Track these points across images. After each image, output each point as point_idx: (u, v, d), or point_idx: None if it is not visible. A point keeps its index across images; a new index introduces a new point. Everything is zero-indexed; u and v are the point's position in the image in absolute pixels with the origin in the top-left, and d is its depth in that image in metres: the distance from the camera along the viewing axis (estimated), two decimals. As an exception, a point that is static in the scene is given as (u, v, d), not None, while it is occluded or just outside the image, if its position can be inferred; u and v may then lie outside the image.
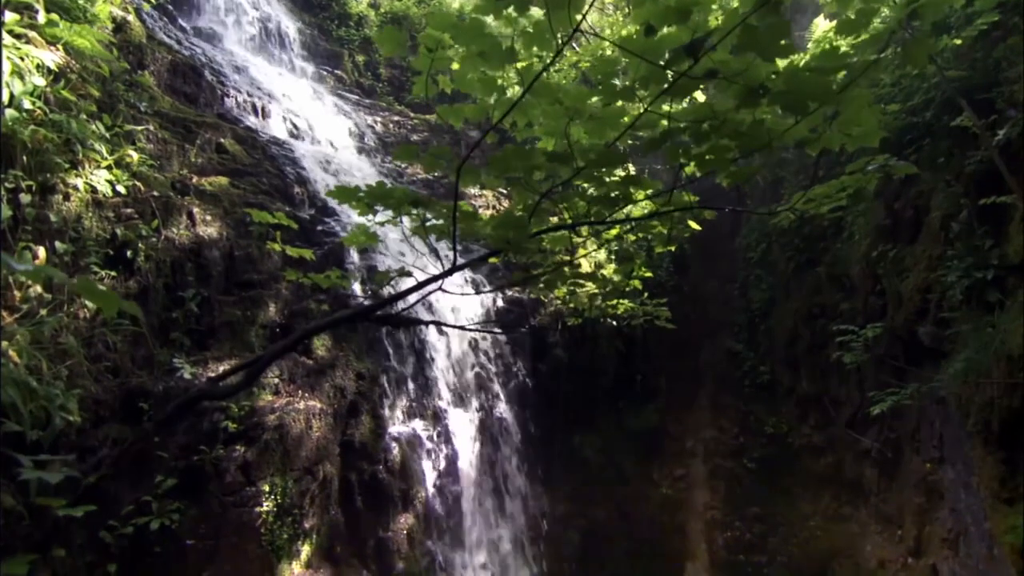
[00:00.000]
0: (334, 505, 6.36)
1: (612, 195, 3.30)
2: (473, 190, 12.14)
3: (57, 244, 4.67)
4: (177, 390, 5.05)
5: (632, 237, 5.42)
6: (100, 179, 5.21)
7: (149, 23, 7.80)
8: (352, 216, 8.30)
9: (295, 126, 9.27)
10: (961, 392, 5.91)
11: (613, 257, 9.89)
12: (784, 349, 9.95)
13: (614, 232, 5.36)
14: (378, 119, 11.90)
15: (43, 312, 4.44)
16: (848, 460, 8.98)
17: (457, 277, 8.87)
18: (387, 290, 5.19)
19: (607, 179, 3.15)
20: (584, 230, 4.66)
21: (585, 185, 4.13)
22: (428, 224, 4.01)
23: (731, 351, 10.89)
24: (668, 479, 10.20)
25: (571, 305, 5.72)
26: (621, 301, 6.35)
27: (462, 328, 3.92)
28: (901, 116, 6.87)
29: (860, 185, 4.42)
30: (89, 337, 4.85)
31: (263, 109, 8.97)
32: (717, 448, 10.34)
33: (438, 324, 3.87)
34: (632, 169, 5.50)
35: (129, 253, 5.23)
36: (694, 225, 5.47)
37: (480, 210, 11.33)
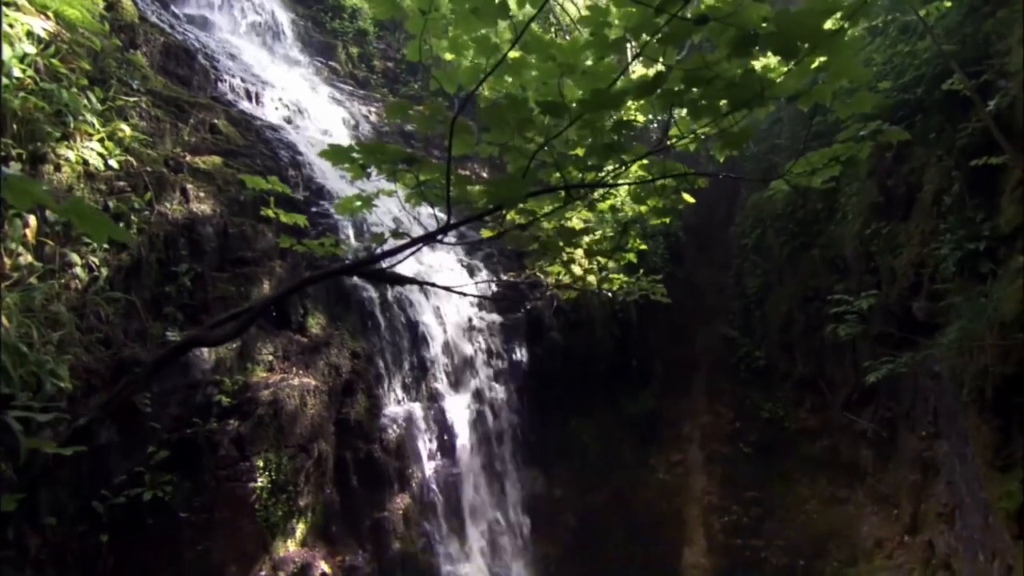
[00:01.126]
0: (329, 484, 6.31)
1: (606, 143, 3.30)
2: (465, 174, 12.13)
3: (48, 213, 4.63)
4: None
5: (629, 209, 5.41)
6: (92, 152, 5.18)
7: (141, 5, 7.78)
8: (341, 193, 8.29)
9: (289, 112, 9.26)
10: (955, 363, 5.93)
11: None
12: (779, 333, 9.97)
13: (608, 204, 5.36)
14: (372, 109, 11.89)
15: (33, 280, 4.40)
16: (844, 442, 8.99)
17: (452, 262, 8.86)
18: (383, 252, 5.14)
19: (599, 124, 3.14)
20: (576, 197, 4.68)
21: (578, 153, 4.16)
22: (423, 187, 4.00)
23: (726, 337, 10.90)
24: (665, 464, 10.19)
25: (566, 279, 5.69)
26: (616, 276, 6.34)
27: (451, 290, 3.90)
28: (893, 94, 6.91)
29: (852, 153, 4.45)
30: (80, 308, 4.81)
31: (257, 95, 8.96)
32: (714, 433, 10.34)
33: (430, 285, 3.86)
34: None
35: (121, 225, 5.18)
36: (688, 198, 5.48)
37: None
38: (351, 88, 12.37)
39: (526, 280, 9.04)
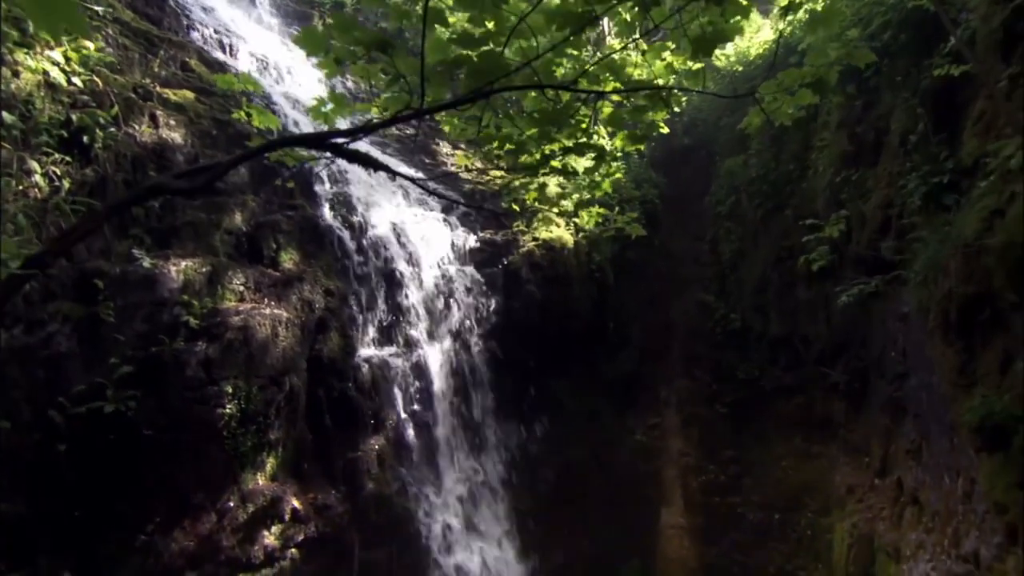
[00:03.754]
0: (301, 420, 6.19)
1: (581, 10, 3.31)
2: (446, 148, 12.14)
3: (4, 114, 4.48)
4: (136, 275, 4.87)
5: (602, 132, 5.42)
6: (53, 66, 5.02)
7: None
8: (322, 149, 8.19)
9: (264, 66, 9.13)
10: (922, 295, 6.07)
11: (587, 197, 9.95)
12: (753, 295, 10.10)
13: (584, 125, 5.37)
14: (349, 76, 11.82)
15: (-10, 178, 4.24)
16: (818, 398, 9.12)
17: (430, 222, 8.79)
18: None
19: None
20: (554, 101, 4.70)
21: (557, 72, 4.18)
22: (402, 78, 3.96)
23: (702, 303, 11.00)
24: (643, 427, 10.21)
25: (538, 202, 5.59)
26: (593, 208, 6.32)
27: (415, 182, 3.87)
28: (861, 44, 7.09)
29: (820, 75, 4.55)
30: (40, 217, 4.65)
31: (231, 47, 8.82)
32: (691, 397, 10.40)
33: (394, 172, 3.82)
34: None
35: (86, 139, 5.04)
36: (663, 128, 5.54)
37: (452, 168, 11.32)
38: (328, 56, 12.27)
39: (504, 238, 9.03)
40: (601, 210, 6.37)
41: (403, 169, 10.02)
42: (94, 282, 4.60)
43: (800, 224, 9.11)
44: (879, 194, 7.00)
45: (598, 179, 5.62)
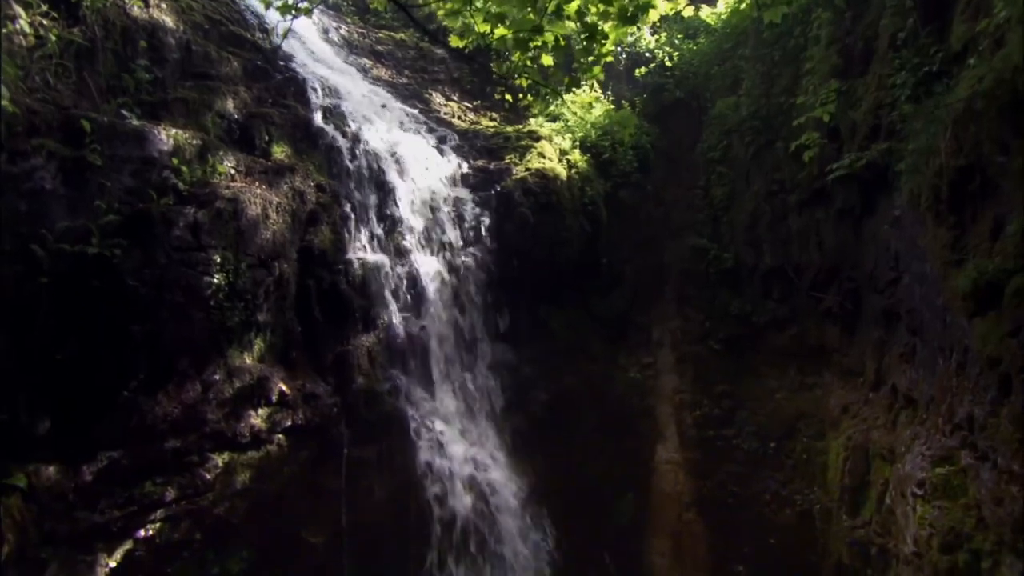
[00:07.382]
0: (290, 310, 6.12)
1: None
2: (439, 99, 12.16)
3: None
4: (125, 128, 4.83)
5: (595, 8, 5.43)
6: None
7: None
8: (310, 66, 8.21)
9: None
10: (913, 184, 6.09)
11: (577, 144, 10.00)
12: (746, 231, 10.11)
13: (575, 6, 5.39)
14: (343, 27, 11.91)
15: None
16: (811, 326, 9.10)
17: (423, 147, 8.79)
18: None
19: None
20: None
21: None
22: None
23: (696, 247, 10.97)
24: (636, 366, 10.15)
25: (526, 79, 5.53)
26: (583, 95, 6.30)
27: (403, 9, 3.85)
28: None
29: None
30: (24, 66, 4.61)
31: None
32: (684, 336, 10.36)
33: None
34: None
35: (74, -2, 5.01)
36: (656, 6, 5.55)
37: (446, 117, 11.36)
38: (320, 9, 12.34)
39: (497, 167, 9.04)
40: (591, 97, 6.32)
41: (398, 104, 10.04)
42: (81, 124, 4.54)
43: (790, 156, 9.17)
44: (869, 99, 7.04)
45: (590, 61, 5.62)
